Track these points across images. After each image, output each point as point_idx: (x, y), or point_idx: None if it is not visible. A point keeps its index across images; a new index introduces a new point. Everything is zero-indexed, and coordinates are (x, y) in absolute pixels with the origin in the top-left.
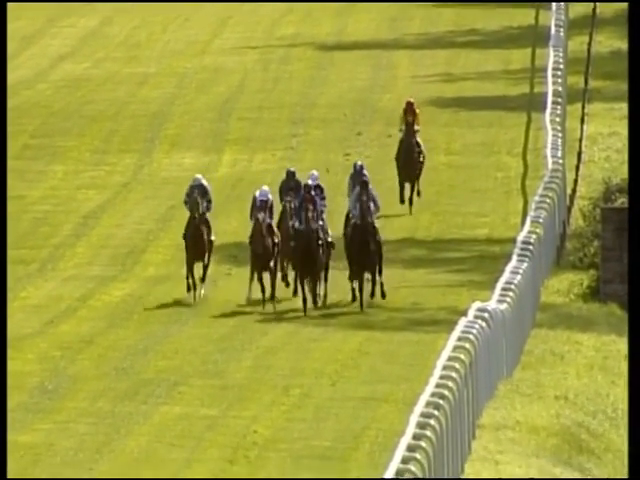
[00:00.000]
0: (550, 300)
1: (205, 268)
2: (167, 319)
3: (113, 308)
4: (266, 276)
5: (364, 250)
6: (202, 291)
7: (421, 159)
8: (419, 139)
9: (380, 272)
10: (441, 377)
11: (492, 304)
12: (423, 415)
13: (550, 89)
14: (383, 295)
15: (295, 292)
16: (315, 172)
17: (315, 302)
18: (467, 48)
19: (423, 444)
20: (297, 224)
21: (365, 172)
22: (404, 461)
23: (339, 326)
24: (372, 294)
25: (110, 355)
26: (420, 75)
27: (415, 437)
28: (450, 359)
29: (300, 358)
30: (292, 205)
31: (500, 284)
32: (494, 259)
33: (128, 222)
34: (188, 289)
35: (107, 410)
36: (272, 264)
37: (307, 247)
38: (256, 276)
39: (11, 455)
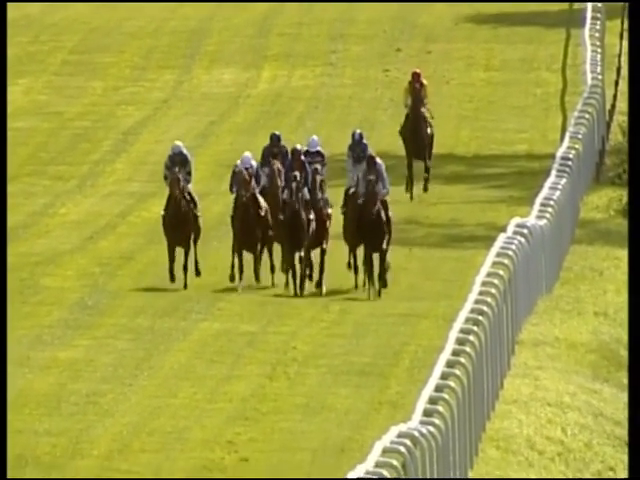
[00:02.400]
0: (589, 216)
1: (187, 254)
2: (205, 235)
3: (152, 224)
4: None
5: (375, 231)
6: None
7: (429, 132)
8: (427, 111)
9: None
10: (480, 293)
11: (531, 220)
12: (462, 331)
13: (589, 4)
14: (385, 284)
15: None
16: (315, 137)
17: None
18: None
19: (462, 360)
20: (285, 195)
21: (365, 142)
22: (443, 377)
23: None
24: (383, 282)
25: (149, 271)
26: None
27: (454, 353)
28: (489, 275)
29: (339, 274)
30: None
31: (539, 200)
32: (533, 175)
33: (167, 138)
34: (171, 278)
35: (146, 326)
36: (257, 243)
37: (294, 220)
38: (237, 255)
39: (51, 371)
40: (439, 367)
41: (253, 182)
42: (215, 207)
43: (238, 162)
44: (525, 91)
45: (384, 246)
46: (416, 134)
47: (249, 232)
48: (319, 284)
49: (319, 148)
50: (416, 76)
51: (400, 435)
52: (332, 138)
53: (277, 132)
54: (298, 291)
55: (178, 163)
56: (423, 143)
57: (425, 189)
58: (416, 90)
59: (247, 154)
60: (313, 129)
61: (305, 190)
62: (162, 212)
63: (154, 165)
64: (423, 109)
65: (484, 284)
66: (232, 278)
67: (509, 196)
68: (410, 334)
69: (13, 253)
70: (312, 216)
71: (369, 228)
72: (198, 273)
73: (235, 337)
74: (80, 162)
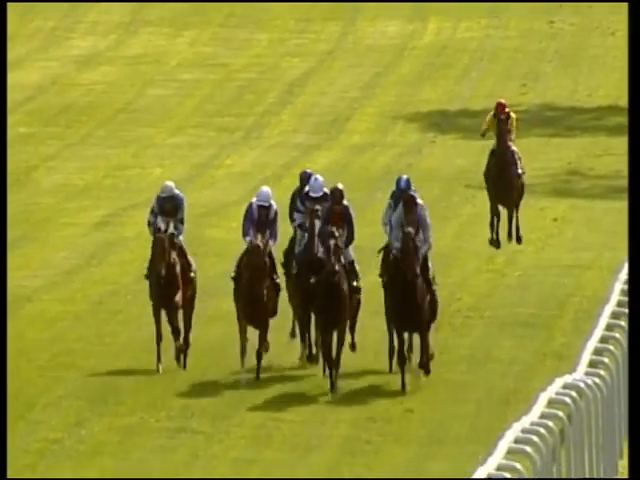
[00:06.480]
0: None
1: (175, 325)
2: (372, 186)
3: None
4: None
5: (409, 302)
6: (184, 351)
7: (520, 171)
8: (515, 148)
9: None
10: None
11: None
12: (627, 282)
13: None
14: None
15: (309, 357)
16: (319, 177)
17: (331, 367)
18: None
19: (627, 311)
20: (320, 252)
21: (414, 190)
22: (608, 328)
23: (540, 194)
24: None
25: None
26: None
27: (619, 304)
28: None
29: (504, 225)
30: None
31: None
32: None
33: (332, 90)
34: (158, 358)
35: None
36: (266, 323)
37: (331, 286)
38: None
39: (215, 322)
40: (604, 318)
41: (269, 236)
42: (380, 158)
43: (254, 199)
44: None
45: (424, 322)
46: (503, 176)
47: (259, 309)
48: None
49: (324, 190)
50: (500, 107)
51: (565, 386)
52: (497, 90)
53: (308, 170)
54: (330, 386)
55: (168, 210)
56: (510, 185)
57: (518, 240)
58: (501, 123)
59: (265, 189)
60: (478, 80)
61: (350, 250)
62: (145, 272)
63: (319, 117)
64: (511, 145)
65: None
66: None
67: None
68: (575, 285)
69: None
70: (355, 284)
71: (402, 297)
72: (180, 358)
73: None
74: (245, 114)
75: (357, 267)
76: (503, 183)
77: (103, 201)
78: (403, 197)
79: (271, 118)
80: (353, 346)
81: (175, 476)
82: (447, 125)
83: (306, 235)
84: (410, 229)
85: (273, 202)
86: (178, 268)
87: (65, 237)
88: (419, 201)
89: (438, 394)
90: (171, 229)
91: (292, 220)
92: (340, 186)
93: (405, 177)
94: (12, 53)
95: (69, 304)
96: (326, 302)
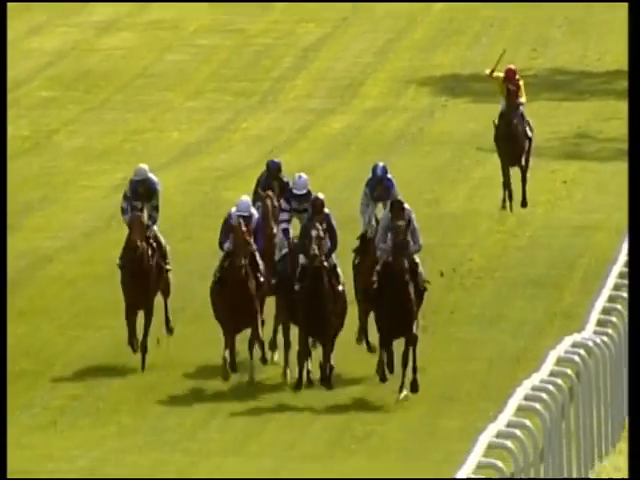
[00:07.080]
0: None
1: (148, 322)
2: (385, 150)
3: (331, 140)
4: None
5: (400, 299)
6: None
7: (529, 134)
8: (525, 112)
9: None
10: None
11: None
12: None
13: None
14: (329, 380)
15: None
16: (303, 175)
17: (324, 378)
18: None
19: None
20: (301, 258)
21: (391, 177)
22: (616, 288)
23: (550, 157)
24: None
25: (329, 186)
26: None
27: (627, 265)
28: None
29: (514, 188)
30: (274, 203)
31: None
32: None
33: (347, 55)
34: (132, 347)
35: None
36: (256, 319)
37: (315, 291)
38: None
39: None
40: (612, 278)
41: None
42: (393, 122)
43: (233, 209)
44: None
45: (413, 330)
46: (513, 136)
47: (245, 309)
48: (327, 380)
49: (309, 189)
50: (510, 73)
51: (574, 345)
52: (507, 55)
53: (276, 159)
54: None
55: (142, 195)
56: (520, 147)
57: (524, 204)
58: (511, 92)
59: (245, 198)
60: (488, 46)
61: (332, 256)
62: (117, 261)
63: (333, 82)
64: (520, 109)
65: None
66: (228, 370)
67: None
68: (584, 246)
69: (196, 168)
70: (341, 288)
71: (393, 294)
72: (145, 334)
73: None
74: (261, 79)
75: (340, 272)
76: (513, 143)
77: (122, 164)
78: (390, 202)
79: (286, 83)
80: (330, 369)
81: (192, 434)
82: (459, 89)
83: (286, 243)
84: (401, 222)
85: (254, 211)
86: (150, 258)
87: (85, 199)
88: (406, 206)
89: (450, 353)
90: (145, 219)
91: (256, 207)
92: (321, 196)
93: (382, 164)
94: (33, 19)
95: (89, 265)
96: (310, 293)
